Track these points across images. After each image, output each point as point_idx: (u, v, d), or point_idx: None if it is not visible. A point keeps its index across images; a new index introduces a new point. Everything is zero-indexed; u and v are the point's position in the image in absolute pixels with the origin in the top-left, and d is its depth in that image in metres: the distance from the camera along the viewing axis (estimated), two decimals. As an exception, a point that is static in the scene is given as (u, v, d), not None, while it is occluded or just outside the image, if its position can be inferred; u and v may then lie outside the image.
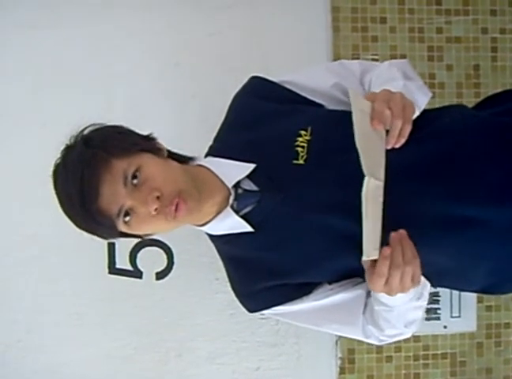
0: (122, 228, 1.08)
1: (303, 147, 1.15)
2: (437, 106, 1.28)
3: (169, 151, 1.20)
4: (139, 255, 1.76)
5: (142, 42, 1.78)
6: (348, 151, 1.10)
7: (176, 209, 1.06)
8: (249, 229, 1.16)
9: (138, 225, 1.08)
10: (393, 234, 1.04)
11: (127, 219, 1.06)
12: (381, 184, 1.03)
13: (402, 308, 1.14)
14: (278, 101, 1.23)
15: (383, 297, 1.12)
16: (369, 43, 1.92)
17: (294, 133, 1.16)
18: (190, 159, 1.24)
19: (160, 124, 1.73)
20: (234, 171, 1.17)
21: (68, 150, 1.09)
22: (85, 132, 1.11)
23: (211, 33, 1.79)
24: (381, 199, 1.04)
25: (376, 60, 1.89)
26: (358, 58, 1.89)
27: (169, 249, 1.77)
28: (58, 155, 1.10)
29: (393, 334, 1.21)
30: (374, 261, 1.04)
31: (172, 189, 1.06)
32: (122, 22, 1.78)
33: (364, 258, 1.02)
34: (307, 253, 1.16)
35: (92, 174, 1.03)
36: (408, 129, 1.04)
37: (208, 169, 1.19)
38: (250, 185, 1.17)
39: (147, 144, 1.14)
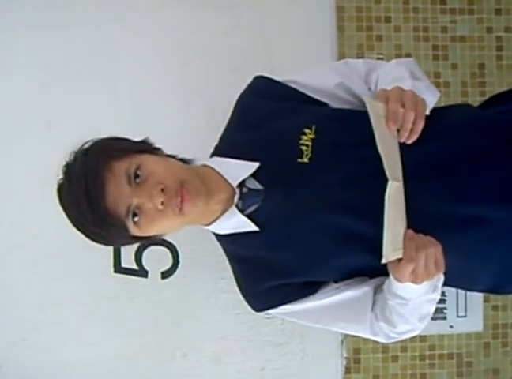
0: (133, 230, 1.09)
1: (307, 145, 1.15)
2: (442, 105, 1.28)
3: (169, 155, 1.21)
4: (144, 254, 1.76)
5: (149, 41, 1.79)
6: (352, 150, 1.12)
7: (182, 201, 1.07)
8: (254, 228, 1.17)
9: (148, 223, 1.08)
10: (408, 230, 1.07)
11: (136, 219, 1.07)
12: (401, 185, 1.04)
13: (417, 301, 1.14)
14: (282, 100, 1.23)
15: (400, 289, 1.12)
16: (374, 42, 1.92)
17: (298, 131, 1.16)
18: (192, 160, 1.25)
19: (166, 122, 1.76)
20: (238, 170, 1.17)
21: (69, 165, 1.11)
22: (84, 147, 1.13)
23: (217, 32, 1.80)
24: (403, 198, 1.06)
25: (381, 59, 1.89)
26: (363, 58, 1.89)
27: (174, 248, 1.77)
28: (60, 175, 1.12)
29: (405, 330, 1.21)
30: None
31: (174, 180, 1.08)
32: (128, 21, 1.78)
33: (384, 261, 1.02)
34: (313, 252, 1.16)
35: (95, 176, 1.04)
36: (420, 124, 1.05)
37: (213, 169, 1.20)
38: (255, 184, 1.17)
39: (144, 146, 1.17)
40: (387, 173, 1.00)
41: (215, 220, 1.19)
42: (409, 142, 1.07)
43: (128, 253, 1.75)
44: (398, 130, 1.06)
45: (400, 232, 1.06)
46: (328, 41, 1.86)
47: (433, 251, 1.05)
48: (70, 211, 1.09)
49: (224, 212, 1.18)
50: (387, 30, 1.93)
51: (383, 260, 1.03)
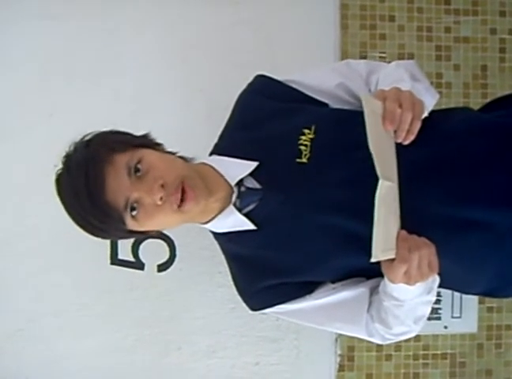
0: (130, 224, 1.09)
1: (306, 145, 1.15)
2: (443, 106, 1.29)
3: (170, 152, 1.20)
4: (141, 246, 1.76)
5: (150, 36, 1.78)
6: (352, 150, 1.11)
7: (182, 199, 1.07)
8: (251, 227, 1.17)
9: (146, 218, 1.08)
10: (401, 231, 1.06)
11: (134, 213, 1.07)
12: (394, 185, 1.04)
13: (412, 302, 1.14)
14: (283, 100, 1.23)
15: (394, 290, 1.11)
16: (377, 40, 1.91)
17: (297, 131, 1.16)
18: (191, 159, 1.24)
19: (167, 118, 1.76)
20: (237, 169, 1.17)
21: (69, 156, 1.10)
22: (85, 138, 1.12)
23: (218, 29, 1.80)
24: (397, 199, 1.05)
25: (383, 58, 1.89)
26: (365, 56, 1.89)
27: (171, 241, 1.77)
28: (60, 166, 1.11)
29: (400, 332, 1.21)
30: None
31: (175, 177, 1.07)
32: (130, 16, 1.78)
33: (373, 260, 1.02)
34: (310, 252, 1.16)
35: (96, 168, 1.04)
36: (417, 125, 1.03)
37: (212, 167, 1.20)
38: (253, 183, 1.17)
39: (145, 140, 1.16)
40: (378, 172, 0.99)
41: (213, 218, 1.19)
42: (406, 143, 1.05)
43: (125, 245, 1.75)
44: (395, 131, 1.06)
45: (393, 232, 1.05)
46: (331, 38, 1.86)
47: (426, 252, 1.04)
48: (69, 201, 1.08)
49: (221, 210, 1.18)
50: (391, 29, 1.92)
51: (372, 260, 1.02)
